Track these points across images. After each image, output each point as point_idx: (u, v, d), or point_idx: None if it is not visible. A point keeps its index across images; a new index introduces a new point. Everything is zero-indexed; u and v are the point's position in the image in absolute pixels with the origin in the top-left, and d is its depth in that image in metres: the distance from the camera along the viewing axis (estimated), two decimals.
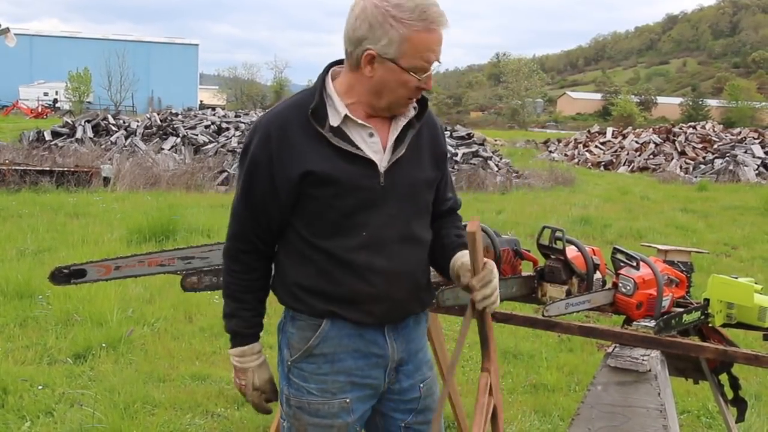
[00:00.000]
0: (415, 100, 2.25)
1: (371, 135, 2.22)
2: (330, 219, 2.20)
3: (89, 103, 61.79)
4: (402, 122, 2.26)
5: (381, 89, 2.17)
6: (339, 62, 2.29)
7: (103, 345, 5.57)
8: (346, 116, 2.18)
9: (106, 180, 15.26)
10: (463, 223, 2.50)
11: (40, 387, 4.85)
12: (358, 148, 2.18)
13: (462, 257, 2.26)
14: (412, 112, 2.28)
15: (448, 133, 21.37)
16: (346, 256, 2.20)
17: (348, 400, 2.29)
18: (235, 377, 2.41)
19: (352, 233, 2.20)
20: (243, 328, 2.35)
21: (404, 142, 2.25)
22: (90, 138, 20.18)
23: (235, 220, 2.30)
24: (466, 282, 2.20)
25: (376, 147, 2.22)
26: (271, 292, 2.38)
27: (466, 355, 5.89)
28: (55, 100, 63.20)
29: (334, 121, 2.18)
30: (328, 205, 2.18)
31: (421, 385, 2.41)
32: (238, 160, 2.36)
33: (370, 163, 2.19)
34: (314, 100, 2.19)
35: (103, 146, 19.50)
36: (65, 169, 15.24)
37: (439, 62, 2.18)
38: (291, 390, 2.32)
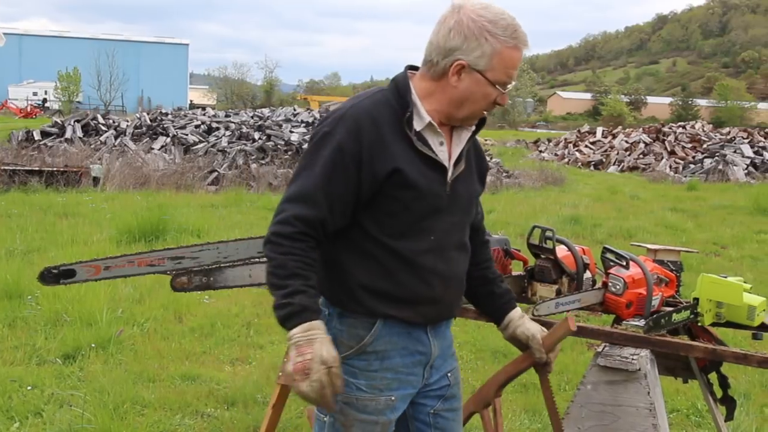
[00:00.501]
0: (485, 114, 2.36)
1: (441, 143, 2.31)
2: (404, 220, 2.27)
3: (79, 102, 61.57)
4: (466, 136, 2.37)
5: (464, 100, 2.27)
6: (412, 67, 2.38)
7: (93, 345, 5.54)
8: (429, 123, 2.27)
9: (96, 180, 15.21)
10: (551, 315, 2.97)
11: (29, 388, 4.82)
12: (435, 153, 2.29)
13: (530, 330, 2.63)
14: (472, 127, 2.39)
15: None
16: (414, 259, 2.28)
17: (393, 398, 2.36)
18: (294, 357, 2.15)
19: (421, 236, 2.29)
20: (310, 302, 2.18)
21: (463, 154, 2.37)
22: (79, 138, 20.10)
23: (308, 205, 2.22)
24: (540, 357, 2.63)
25: (444, 155, 2.31)
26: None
27: (456, 354, 5.89)
28: (45, 100, 63.06)
29: (418, 125, 2.27)
30: (405, 206, 2.25)
31: (449, 374, 2.53)
32: (311, 145, 2.29)
33: (443, 171, 2.31)
34: (409, 106, 2.26)
35: (92, 146, 19.42)
36: (54, 169, 15.18)
37: (515, 82, 2.32)
38: None
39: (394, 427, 2.42)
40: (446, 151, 2.32)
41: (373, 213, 2.26)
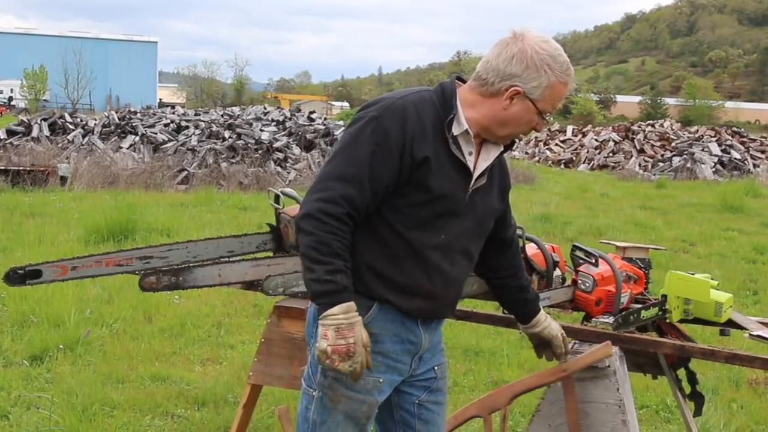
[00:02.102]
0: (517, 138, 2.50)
1: (470, 153, 2.42)
2: (421, 214, 2.37)
3: (45, 101, 60.96)
4: (494, 153, 2.48)
5: (509, 122, 2.40)
6: (459, 78, 2.51)
7: (61, 346, 5.48)
8: (466, 131, 2.38)
9: (63, 179, 15.04)
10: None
11: None
12: (466, 160, 2.40)
13: (553, 330, 2.83)
14: (501, 147, 2.50)
15: None
16: (422, 251, 2.38)
17: (381, 380, 2.44)
18: (336, 339, 2.24)
19: (433, 232, 2.39)
20: (349, 283, 2.28)
21: (487, 171, 2.48)
22: (46, 137, 19.84)
23: (354, 187, 2.28)
24: (558, 352, 2.85)
25: (470, 165, 2.42)
26: None
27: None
28: (11, 98, 62.27)
29: (456, 130, 2.38)
30: (427, 201, 2.36)
31: (436, 367, 2.62)
32: (356, 127, 2.35)
33: (468, 177, 2.42)
34: (453, 110, 2.38)
35: (59, 145, 19.18)
36: (21, 168, 15.00)
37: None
38: None
39: (376, 410, 2.49)
40: (473, 161, 2.42)
41: (395, 201, 2.35)
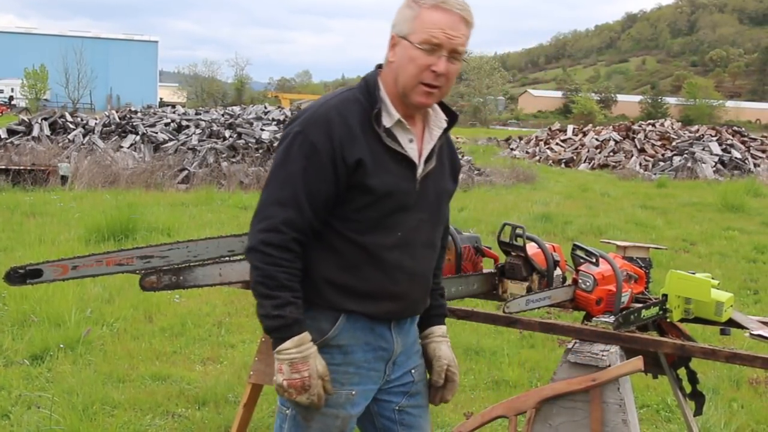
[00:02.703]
0: (429, 89, 2.26)
1: (411, 141, 2.33)
2: (371, 216, 2.28)
3: (46, 100, 60.97)
4: (437, 133, 2.38)
5: (399, 72, 2.27)
6: (382, 66, 2.39)
7: (61, 346, 5.48)
8: (398, 120, 2.29)
9: (64, 179, 15.04)
10: None
11: None
12: (405, 150, 2.31)
13: (438, 351, 2.59)
14: (444, 124, 2.40)
15: None
16: (380, 254, 2.30)
17: (354, 392, 2.37)
18: (291, 374, 2.23)
19: (387, 232, 2.31)
20: (299, 314, 2.23)
21: (434, 151, 2.38)
22: (47, 136, 19.84)
23: (292, 208, 2.23)
24: (435, 381, 2.57)
25: (413, 153, 2.33)
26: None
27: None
28: (11, 98, 62.30)
29: (387, 122, 2.28)
30: (372, 202, 2.27)
31: (413, 370, 2.53)
32: (284, 145, 2.29)
33: (413, 167, 2.32)
34: (377, 103, 2.28)
35: (60, 144, 19.18)
36: (21, 167, 15.00)
37: (458, 52, 2.24)
38: None
39: (354, 422, 2.43)
40: (416, 148, 2.33)
41: (342, 209, 2.28)
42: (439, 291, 2.65)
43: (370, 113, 2.27)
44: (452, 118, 2.43)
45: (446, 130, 2.41)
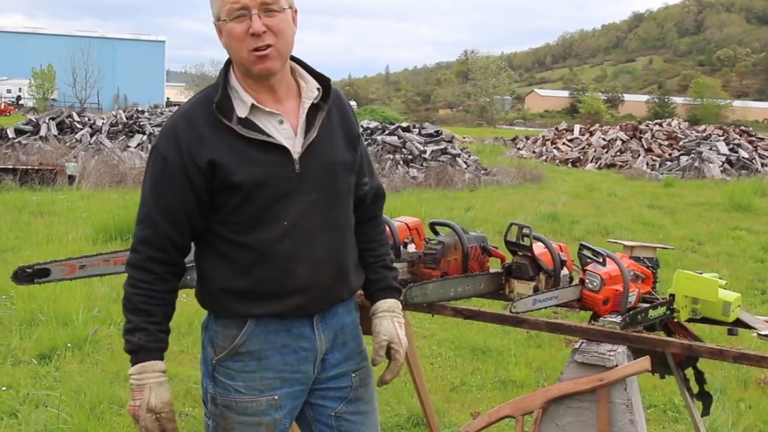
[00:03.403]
0: (259, 52, 2.14)
1: (281, 122, 2.21)
2: (249, 213, 2.17)
3: (53, 100, 61.06)
4: (307, 104, 2.25)
5: (231, 53, 2.20)
6: None
7: (69, 345, 5.50)
8: (253, 105, 2.18)
9: (71, 178, 15.10)
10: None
11: (3, 388, 4.78)
12: (269, 135, 2.17)
13: (378, 326, 2.43)
14: (315, 94, 2.27)
15: (416, 131, 21.37)
16: (270, 249, 2.17)
17: (276, 397, 2.27)
18: (131, 399, 2.21)
19: (272, 224, 2.17)
20: (147, 341, 2.17)
21: (314, 125, 2.24)
22: (54, 136, 19.92)
23: (147, 226, 2.18)
24: (373, 359, 2.44)
25: (287, 134, 2.21)
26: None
27: (435, 351, 5.91)
28: (19, 98, 62.48)
29: (241, 112, 2.18)
30: (245, 198, 2.15)
31: (353, 374, 2.41)
32: (147, 163, 2.25)
33: (284, 150, 2.18)
34: (217, 95, 2.17)
35: (67, 144, 19.26)
36: (29, 167, 15.06)
37: (268, 2, 2.13)
38: (217, 389, 2.28)
39: (286, 422, 2.33)
40: (290, 128, 2.22)
41: (220, 212, 2.20)
42: (380, 263, 2.51)
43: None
44: (324, 84, 2.29)
45: (322, 100, 2.27)
